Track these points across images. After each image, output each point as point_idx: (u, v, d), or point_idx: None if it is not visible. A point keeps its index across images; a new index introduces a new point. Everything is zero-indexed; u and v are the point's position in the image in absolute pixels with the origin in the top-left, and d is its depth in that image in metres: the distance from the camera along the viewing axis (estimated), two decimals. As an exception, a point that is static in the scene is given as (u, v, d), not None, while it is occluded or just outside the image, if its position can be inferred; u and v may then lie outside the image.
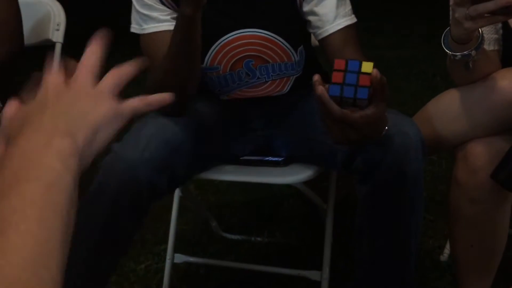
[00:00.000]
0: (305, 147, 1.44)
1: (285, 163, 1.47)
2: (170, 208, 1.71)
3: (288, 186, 2.07)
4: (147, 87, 1.31)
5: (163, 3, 1.37)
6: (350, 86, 1.02)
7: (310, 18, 1.39)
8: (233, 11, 1.38)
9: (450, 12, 1.17)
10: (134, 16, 1.39)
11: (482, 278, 1.39)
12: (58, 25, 1.79)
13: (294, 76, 1.46)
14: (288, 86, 1.47)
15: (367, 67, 1.02)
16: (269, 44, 1.40)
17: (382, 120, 1.10)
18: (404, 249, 1.31)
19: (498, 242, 1.35)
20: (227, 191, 2.31)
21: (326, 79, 1.10)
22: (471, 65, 1.23)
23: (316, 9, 1.37)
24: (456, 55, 1.22)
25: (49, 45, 1.80)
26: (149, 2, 1.36)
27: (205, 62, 1.40)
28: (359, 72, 1.02)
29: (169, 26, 1.34)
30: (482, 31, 1.20)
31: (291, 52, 1.42)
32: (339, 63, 1.03)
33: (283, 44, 1.40)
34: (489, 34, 1.31)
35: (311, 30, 1.41)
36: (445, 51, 1.24)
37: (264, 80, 1.45)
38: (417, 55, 4.41)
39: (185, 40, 1.24)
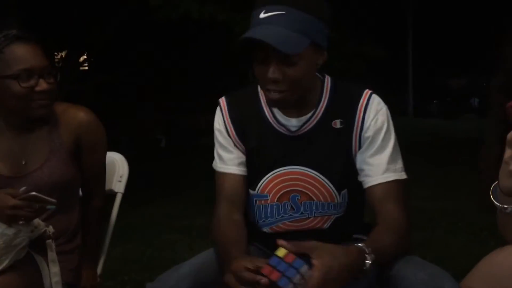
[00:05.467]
0: None
1: None
2: None
3: None
4: (214, 221, 1.47)
5: (235, 146, 1.51)
6: (289, 268, 1.18)
7: (363, 167, 1.46)
8: (291, 146, 1.48)
9: (502, 165, 1.17)
10: (215, 152, 1.55)
11: None
12: (121, 177, 1.91)
13: (335, 216, 1.51)
14: (328, 223, 1.52)
15: (281, 252, 1.20)
16: (316, 183, 1.48)
17: (334, 270, 1.18)
18: None
19: None
20: None
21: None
22: None
23: (370, 160, 1.45)
24: (507, 208, 1.21)
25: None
26: (225, 144, 1.52)
27: (256, 189, 1.51)
28: (281, 258, 1.19)
29: (235, 170, 1.50)
30: None
31: (335, 194, 1.48)
32: (266, 270, 1.19)
33: (329, 185, 1.48)
34: None
35: (360, 179, 1.48)
36: (494, 204, 1.23)
37: (307, 216, 1.51)
38: (461, 207, 4.39)
39: None
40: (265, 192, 1.51)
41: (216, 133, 1.53)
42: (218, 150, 1.53)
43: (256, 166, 1.50)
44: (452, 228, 3.86)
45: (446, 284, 1.26)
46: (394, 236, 1.37)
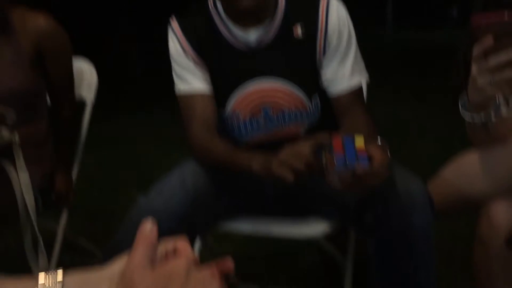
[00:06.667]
0: (320, 202, 1.48)
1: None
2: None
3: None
4: (193, 142, 1.46)
5: (196, 65, 1.47)
6: (354, 156, 1.15)
7: (328, 74, 1.46)
8: (253, 60, 1.47)
9: (470, 81, 1.18)
10: (174, 77, 1.51)
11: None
12: (90, 85, 1.89)
13: (310, 123, 1.53)
14: (303, 130, 1.53)
15: (359, 141, 1.17)
16: (285, 93, 1.48)
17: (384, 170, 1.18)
18: None
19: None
20: (245, 244, 2.32)
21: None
22: (490, 129, 1.24)
23: (335, 67, 1.45)
24: (475, 119, 1.24)
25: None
26: (185, 65, 1.47)
27: (226, 108, 1.50)
28: (354, 145, 1.16)
29: (202, 88, 1.47)
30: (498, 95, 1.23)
31: (306, 101, 1.49)
32: (337, 142, 1.17)
33: (298, 93, 1.47)
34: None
35: (325, 84, 1.48)
36: (463, 116, 1.25)
37: (281, 125, 1.51)
38: (433, 114, 4.45)
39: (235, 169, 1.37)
40: (236, 111, 1.49)
41: (174, 55, 1.48)
42: (178, 72, 1.47)
43: (220, 86, 1.48)
44: (422, 135, 3.93)
45: (414, 184, 1.30)
46: (374, 131, 1.42)
